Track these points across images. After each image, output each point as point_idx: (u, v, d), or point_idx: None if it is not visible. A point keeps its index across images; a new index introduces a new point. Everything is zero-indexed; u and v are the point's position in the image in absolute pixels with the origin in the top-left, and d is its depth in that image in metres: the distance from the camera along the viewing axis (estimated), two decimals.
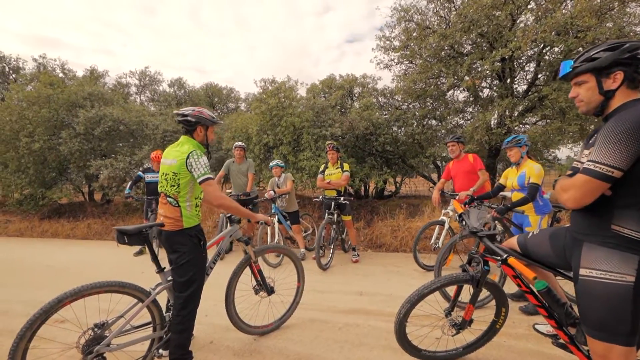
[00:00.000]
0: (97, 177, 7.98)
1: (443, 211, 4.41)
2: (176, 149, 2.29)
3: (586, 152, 1.45)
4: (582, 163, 1.38)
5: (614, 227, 1.34)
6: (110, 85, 12.86)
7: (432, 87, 7.20)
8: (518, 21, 5.96)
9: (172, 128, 8.71)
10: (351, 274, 4.36)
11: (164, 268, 2.35)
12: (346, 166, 4.86)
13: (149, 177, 5.74)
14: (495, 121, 6.82)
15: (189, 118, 2.32)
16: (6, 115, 8.84)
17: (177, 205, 2.23)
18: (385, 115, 8.15)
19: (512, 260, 1.79)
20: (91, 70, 11.85)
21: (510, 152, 3.22)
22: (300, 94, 10.48)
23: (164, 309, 2.35)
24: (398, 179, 9.87)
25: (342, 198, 4.64)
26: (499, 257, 1.86)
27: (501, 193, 3.52)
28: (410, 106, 8.24)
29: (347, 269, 4.57)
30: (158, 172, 5.74)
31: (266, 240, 5.04)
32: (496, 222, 3.23)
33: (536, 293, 1.83)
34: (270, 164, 5.20)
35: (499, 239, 2.02)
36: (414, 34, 6.77)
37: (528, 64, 6.78)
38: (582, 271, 1.44)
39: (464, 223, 2.12)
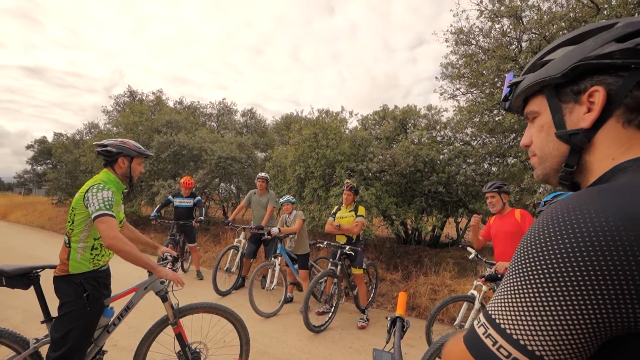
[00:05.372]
0: (156, 195, 8.68)
1: (475, 283, 3.28)
2: (87, 182, 2.07)
3: None
4: None
5: None
6: (196, 114, 14.43)
7: (512, 118, 5.90)
8: None
9: (226, 154, 9.07)
10: (344, 346, 3.47)
11: (53, 318, 2.04)
12: (361, 210, 4.13)
13: (177, 201, 5.86)
14: None
15: (109, 148, 2.11)
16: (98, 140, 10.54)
17: (68, 245, 1.95)
18: (446, 151, 7.02)
19: None
20: (179, 102, 13.56)
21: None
22: (355, 124, 10.03)
23: None
24: (462, 224, 8.36)
25: (347, 247, 3.89)
26: None
27: None
28: (487, 141, 6.91)
29: (343, 338, 3.68)
30: (186, 197, 5.84)
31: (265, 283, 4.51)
32: None
33: None
34: (280, 200, 4.75)
35: None
36: (479, 56, 5.76)
37: None
38: None
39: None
